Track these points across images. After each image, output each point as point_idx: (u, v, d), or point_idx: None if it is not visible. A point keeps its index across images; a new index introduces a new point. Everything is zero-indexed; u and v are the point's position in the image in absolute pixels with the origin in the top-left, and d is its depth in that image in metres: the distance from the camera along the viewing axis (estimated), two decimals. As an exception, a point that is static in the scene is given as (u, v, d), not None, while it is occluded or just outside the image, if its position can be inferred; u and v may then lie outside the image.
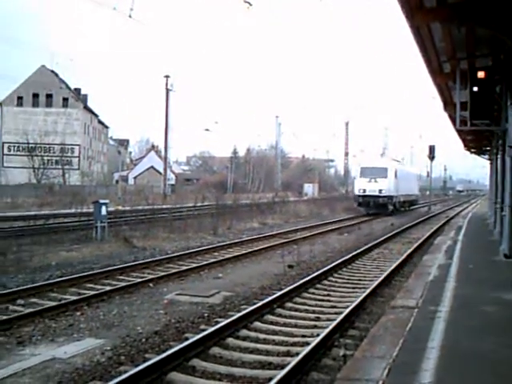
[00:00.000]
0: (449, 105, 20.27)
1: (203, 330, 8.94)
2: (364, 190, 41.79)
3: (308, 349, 7.72)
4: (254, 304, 10.76)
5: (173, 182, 79.06)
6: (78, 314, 10.40)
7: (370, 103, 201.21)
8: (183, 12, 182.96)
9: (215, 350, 8.19)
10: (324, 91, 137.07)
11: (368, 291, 11.91)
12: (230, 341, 8.70)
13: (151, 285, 13.12)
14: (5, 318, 9.77)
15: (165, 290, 12.68)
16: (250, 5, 17.64)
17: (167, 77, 53.60)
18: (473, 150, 35.54)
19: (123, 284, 12.97)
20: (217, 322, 9.59)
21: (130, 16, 16.69)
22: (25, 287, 12.24)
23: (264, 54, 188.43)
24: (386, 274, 14.16)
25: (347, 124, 67.92)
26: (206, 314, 10.42)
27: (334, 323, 9.14)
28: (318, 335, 8.66)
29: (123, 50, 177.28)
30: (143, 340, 8.69)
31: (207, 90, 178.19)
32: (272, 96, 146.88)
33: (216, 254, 18.64)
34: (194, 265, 15.94)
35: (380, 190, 41.20)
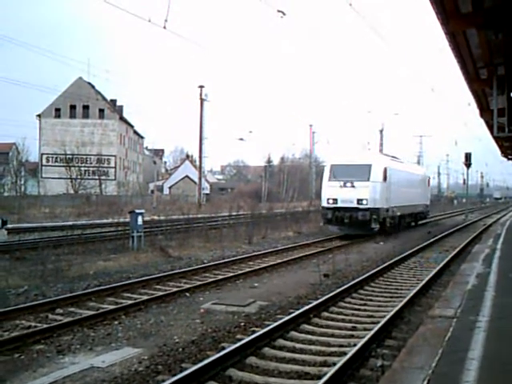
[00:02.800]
0: (485, 111, 20.00)
1: (239, 340, 8.94)
2: (335, 200, 28.02)
3: (345, 359, 7.67)
4: (290, 313, 10.73)
5: (207, 191, 79.48)
6: (116, 323, 10.51)
7: (404, 110, 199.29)
8: (217, 22, 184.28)
9: (252, 360, 8.19)
10: (358, 98, 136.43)
11: (405, 300, 11.78)
12: (267, 350, 8.69)
13: (188, 294, 13.19)
14: (45, 326, 9.94)
15: (201, 299, 12.74)
16: (284, 14, 17.64)
17: (201, 87, 53.95)
18: (510, 157, 34.94)
19: (160, 293, 13.07)
20: (253, 332, 9.59)
21: (164, 27, 16.81)
22: (64, 296, 12.44)
23: (297, 62, 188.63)
24: (423, 283, 13.99)
25: (381, 131, 67.36)
26: (242, 324, 10.42)
27: (371, 333, 9.05)
28: (354, 345, 8.59)
29: (158, 60, 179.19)
30: (180, 349, 8.73)
31: (241, 99, 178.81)
32: (306, 104, 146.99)
33: (251, 263, 18.66)
34: (230, 274, 15.98)
35: (359, 200, 27.51)
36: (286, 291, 13.70)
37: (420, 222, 39.31)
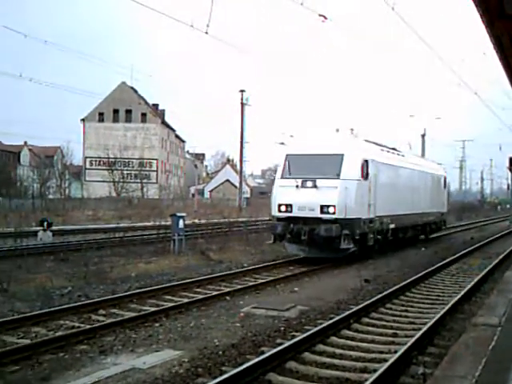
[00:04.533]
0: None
1: (279, 344, 8.94)
2: (288, 207, 19.38)
3: (386, 365, 7.59)
4: (331, 319, 10.69)
5: (248, 195, 79.73)
6: (157, 325, 10.62)
7: (446, 115, 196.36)
8: (258, 26, 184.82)
9: (291, 365, 8.17)
10: (399, 102, 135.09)
11: (447, 307, 11.60)
12: (307, 355, 8.66)
13: (228, 298, 13.25)
14: (88, 327, 10.11)
15: (241, 302, 12.77)
16: (326, 18, 17.58)
17: (242, 91, 54.19)
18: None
19: (200, 296, 13.16)
20: (293, 336, 9.57)
21: (206, 32, 16.94)
22: (106, 298, 12.63)
23: (338, 65, 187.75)
24: (465, 290, 13.76)
25: (423, 136, 66.41)
26: (282, 328, 10.41)
27: (413, 340, 8.94)
28: (395, 352, 8.50)
29: (200, 65, 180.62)
30: (220, 352, 8.77)
31: (282, 103, 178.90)
32: (347, 108, 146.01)
33: (292, 267, 18.60)
34: (270, 278, 15.99)
35: (324, 207, 18.82)
36: (327, 296, 13.64)
37: (433, 235, 31.18)
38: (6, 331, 9.79)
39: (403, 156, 26.53)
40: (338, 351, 8.98)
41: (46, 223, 26.82)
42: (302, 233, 18.61)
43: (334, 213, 18.59)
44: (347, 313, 11.04)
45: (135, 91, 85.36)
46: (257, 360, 7.81)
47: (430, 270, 17.34)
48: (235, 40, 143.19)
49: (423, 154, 57.81)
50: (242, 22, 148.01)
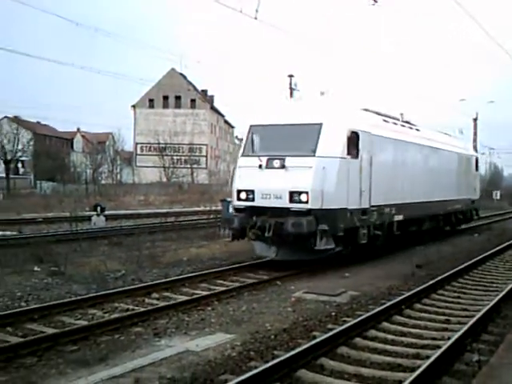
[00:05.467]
0: None
1: (331, 329, 8.96)
2: (250, 194, 14.98)
3: (439, 352, 7.51)
4: (382, 304, 10.64)
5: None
6: (209, 308, 10.77)
7: (499, 97, 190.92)
8: (306, 10, 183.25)
9: (343, 350, 8.18)
10: (449, 86, 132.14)
11: (502, 294, 11.39)
12: (358, 341, 8.65)
13: (279, 282, 13.32)
14: (142, 309, 10.35)
15: (292, 287, 12.82)
16: (376, 1, 17.34)
17: (291, 76, 53.79)
18: None
19: (251, 281, 13.27)
20: (344, 322, 9.57)
21: (255, 18, 16.92)
22: (159, 281, 12.86)
23: (388, 49, 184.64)
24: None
25: (475, 120, 64.90)
26: (333, 313, 10.42)
27: (466, 327, 8.82)
28: (449, 338, 8.41)
29: (248, 50, 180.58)
30: (272, 337, 8.84)
31: (330, 88, 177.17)
32: (396, 92, 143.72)
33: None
34: (319, 264, 15.96)
35: (294, 194, 14.26)
36: (378, 282, 13.56)
37: (462, 227, 27.28)
38: (64, 312, 10.10)
39: (418, 130, 21.34)
40: (390, 337, 8.94)
41: (99, 208, 27.45)
42: (265, 227, 14.00)
43: (306, 201, 14.02)
44: (399, 298, 10.97)
45: (184, 77, 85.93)
46: (309, 345, 7.83)
47: (482, 256, 17.03)
48: (284, 25, 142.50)
49: (475, 139, 56.02)
50: (291, 6, 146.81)
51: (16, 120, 77.26)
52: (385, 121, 18.26)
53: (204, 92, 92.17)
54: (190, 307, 10.75)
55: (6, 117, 77.65)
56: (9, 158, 68.64)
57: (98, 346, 8.36)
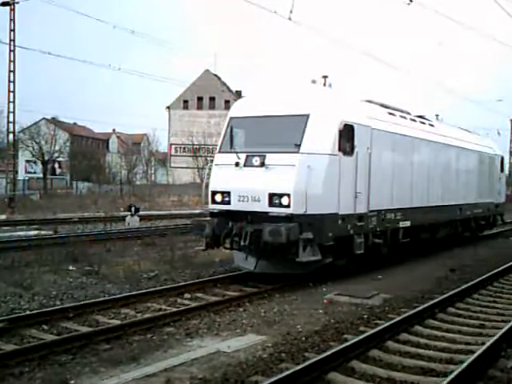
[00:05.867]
0: None
1: (363, 332, 8.91)
2: (226, 196, 13.19)
3: (473, 357, 7.40)
4: (415, 307, 10.53)
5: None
6: (241, 309, 10.80)
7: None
8: (341, 10, 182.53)
9: (375, 353, 8.12)
10: (486, 86, 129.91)
11: (539, 299, 11.19)
12: (390, 344, 8.58)
13: (311, 284, 13.27)
14: (174, 310, 10.44)
15: (324, 289, 12.76)
16: (411, 1, 17.19)
17: (325, 77, 53.66)
18: None
19: (283, 283, 13.24)
20: (376, 324, 9.51)
21: (289, 18, 16.96)
22: (191, 282, 12.95)
23: (424, 48, 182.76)
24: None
25: (512, 120, 63.77)
26: (365, 316, 10.36)
27: (502, 331, 8.68)
28: (483, 343, 8.28)
29: (282, 50, 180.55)
30: (303, 338, 8.82)
31: (365, 87, 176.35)
32: (432, 93, 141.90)
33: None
34: (353, 266, 15.85)
35: (274, 197, 12.46)
36: (410, 284, 13.44)
37: (484, 233, 24.93)
38: (97, 311, 10.24)
39: (432, 126, 19.24)
40: (423, 341, 8.85)
41: (133, 208, 27.77)
42: (241, 234, 12.41)
43: (288, 205, 12.28)
44: (432, 302, 10.84)
45: (219, 78, 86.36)
46: (340, 347, 7.80)
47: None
48: (318, 25, 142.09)
49: (512, 140, 54.29)
50: (325, 6, 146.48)
51: (53, 121, 78.72)
52: (391, 114, 16.30)
53: (238, 93, 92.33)
54: (222, 308, 10.80)
55: (44, 118, 79.06)
56: (46, 158, 69.92)
57: (131, 345, 8.46)
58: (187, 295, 11.84)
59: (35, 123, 74.61)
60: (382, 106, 16.35)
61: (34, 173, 77.32)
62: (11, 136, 36.79)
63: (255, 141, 13.44)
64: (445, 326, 9.84)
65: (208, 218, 13.52)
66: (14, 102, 34.41)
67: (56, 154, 72.48)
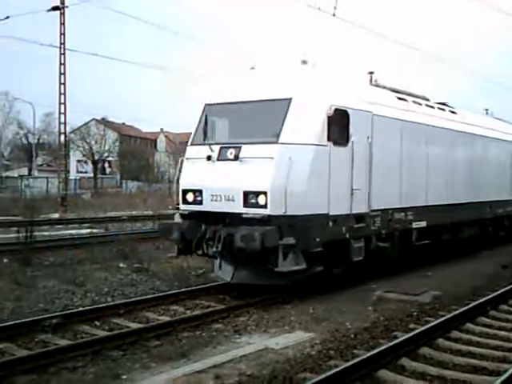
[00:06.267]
0: None
1: (412, 329, 8.80)
2: (198, 195, 11.51)
3: (527, 356, 7.25)
4: (466, 305, 10.34)
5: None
6: (289, 307, 10.78)
7: None
8: (385, 6, 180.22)
9: (425, 350, 8.01)
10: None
11: None
12: (441, 342, 8.45)
13: (359, 281, 13.16)
14: (223, 307, 10.52)
15: (373, 286, 12.63)
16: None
17: (371, 73, 53.18)
18: None
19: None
20: (426, 322, 9.37)
21: (333, 15, 16.86)
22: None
23: (469, 45, 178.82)
24: None
25: None
26: (414, 313, 10.24)
27: (557, 330, 8.47)
28: (537, 342, 8.09)
29: (326, 47, 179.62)
30: (352, 336, 8.77)
31: (412, 83, 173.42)
32: (478, 87, 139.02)
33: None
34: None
35: (249, 196, 10.66)
36: (460, 281, 13.21)
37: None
38: (147, 308, 10.41)
39: (454, 113, 17.03)
40: (475, 338, 8.68)
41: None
42: (214, 238, 10.68)
43: (264, 205, 10.52)
44: (484, 299, 10.64)
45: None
46: (390, 344, 7.73)
47: None
48: (363, 21, 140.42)
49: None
50: (370, 2, 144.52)
51: (103, 122, 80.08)
52: (401, 99, 14.44)
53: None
54: (270, 305, 10.82)
55: (93, 119, 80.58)
56: (96, 158, 71.31)
57: (180, 341, 8.57)
58: (234, 294, 11.83)
59: (85, 124, 76.19)
60: (393, 90, 14.82)
61: (85, 172, 78.89)
62: (62, 137, 37.60)
63: (231, 131, 12.10)
64: (497, 323, 9.64)
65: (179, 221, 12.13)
66: (64, 103, 35.16)
67: (106, 154, 73.86)
